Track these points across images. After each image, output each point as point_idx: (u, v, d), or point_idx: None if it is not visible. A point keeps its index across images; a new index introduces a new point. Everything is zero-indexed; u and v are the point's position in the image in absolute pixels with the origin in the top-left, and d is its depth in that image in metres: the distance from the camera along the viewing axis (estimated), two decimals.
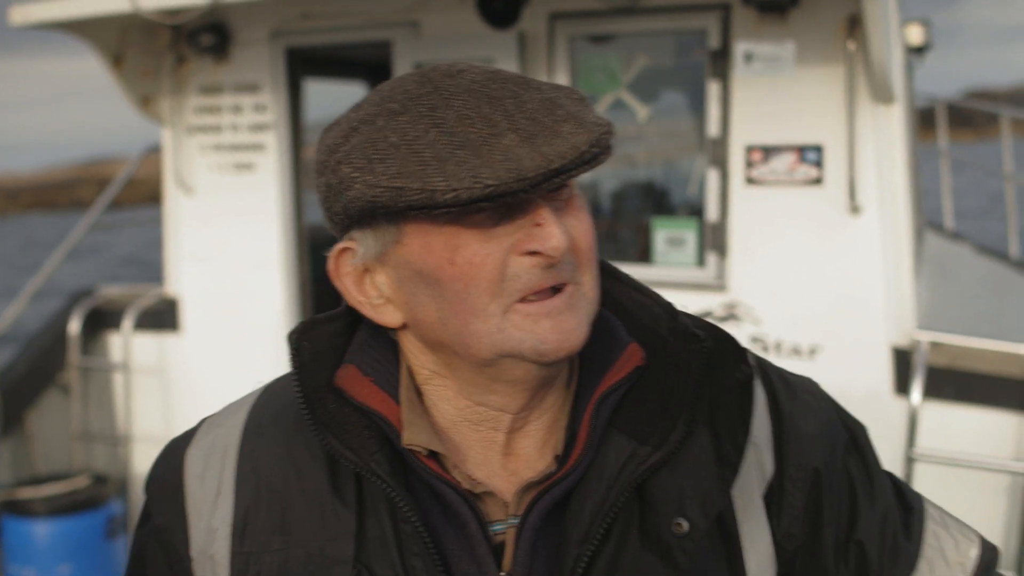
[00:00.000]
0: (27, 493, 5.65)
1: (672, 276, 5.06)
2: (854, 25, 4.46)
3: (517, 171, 1.05)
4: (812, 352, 4.76)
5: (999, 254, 7.91)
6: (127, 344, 6.29)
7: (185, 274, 6.25)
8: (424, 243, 1.13)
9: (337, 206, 1.16)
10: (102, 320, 6.47)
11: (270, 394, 1.35)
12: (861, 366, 4.70)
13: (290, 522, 1.22)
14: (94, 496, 5.76)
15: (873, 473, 1.37)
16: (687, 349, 1.22)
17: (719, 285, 4.93)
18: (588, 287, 1.18)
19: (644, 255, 5.26)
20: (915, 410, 4.40)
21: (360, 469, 1.18)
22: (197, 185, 6.12)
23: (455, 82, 1.13)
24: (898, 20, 5.37)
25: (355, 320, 1.30)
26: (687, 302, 4.94)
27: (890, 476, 1.43)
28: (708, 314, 4.93)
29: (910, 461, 4.40)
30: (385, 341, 1.28)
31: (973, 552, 1.39)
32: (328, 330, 1.29)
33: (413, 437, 1.19)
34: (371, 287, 1.22)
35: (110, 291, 6.65)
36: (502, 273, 1.12)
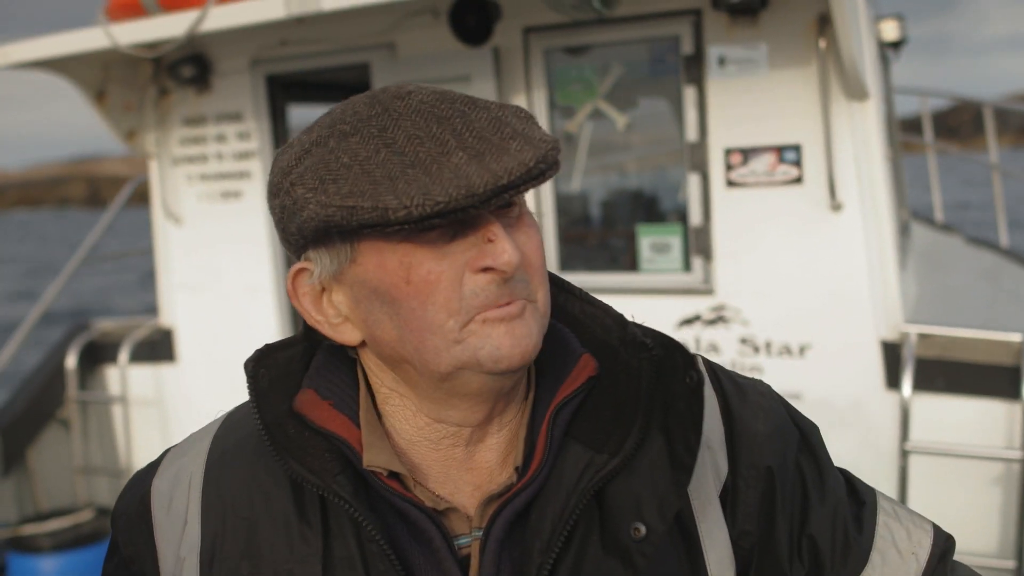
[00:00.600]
0: (32, 529, 5.68)
1: (659, 282, 5.09)
2: (824, 23, 4.48)
3: (467, 188, 1.07)
4: (802, 350, 4.78)
5: (990, 244, 7.93)
6: (124, 376, 6.32)
7: (178, 304, 6.29)
8: (379, 262, 1.16)
9: (292, 227, 1.18)
10: (98, 353, 6.50)
11: (232, 421, 1.37)
12: (851, 362, 4.72)
13: (258, 547, 1.24)
14: (97, 529, 5.80)
15: (824, 470, 1.40)
16: (637, 358, 1.25)
17: (706, 289, 4.95)
18: (541, 303, 1.21)
19: (633, 263, 5.28)
20: (906, 403, 4.42)
21: (323, 491, 1.20)
22: (185, 215, 6.16)
23: (404, 103, 1.16)
24: (869, 16, 5.40)
25: (312, 344, 1.33)
26: (676, 307, 4.98)
27: (844, 473, 1.47)
28: (697, 318, 4.96)
29: (905, 454, 4.42)
30: (342, 364, 1.30)
31: (926, 541, 1.42)
32: (284, 356, 1.31)
33: (373, 459, 1.21)
34: (329, 306, 1.24)
35: (105, 324, 6.68)
36: (459, 291, 1.15)
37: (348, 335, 1.24)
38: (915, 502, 4.43)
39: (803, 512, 1.36)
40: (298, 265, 1.24)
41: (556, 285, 1.35)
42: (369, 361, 1.28)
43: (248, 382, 1.27)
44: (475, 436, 1.27)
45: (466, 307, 1.15)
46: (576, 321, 1.34)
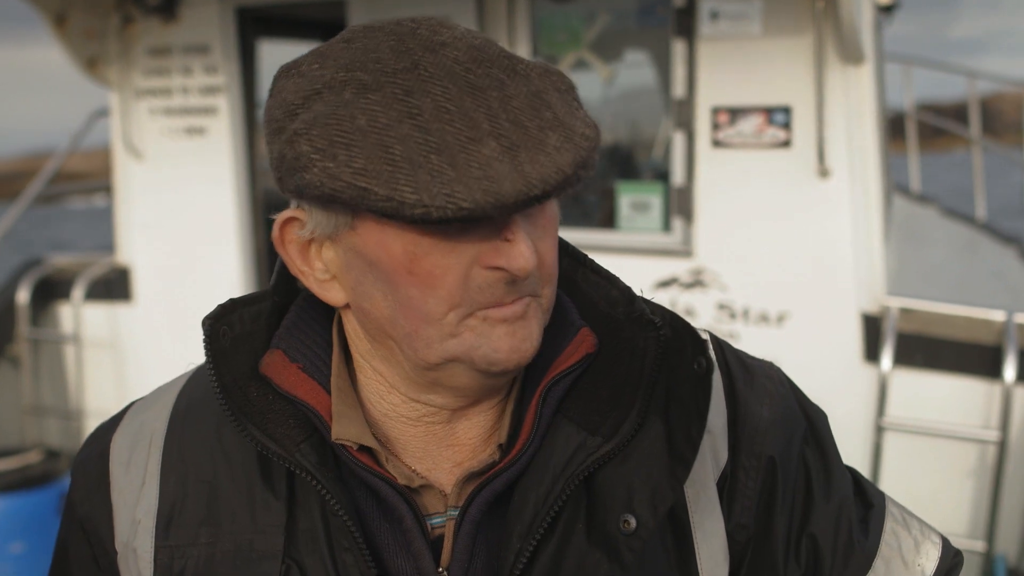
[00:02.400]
0: None
1: (638, 242, 4.95)
2: None
3: (496, 195, 0.95)
4: (780, 319, 4.67)
5: (966, 217, 7.87)
6: (78, 314, 6.12)
7: (137, 242, 6.07)
8: (380, 240, 1.04)
9: (290, 182, 1.04)
10: (52, 290, 6.29)
11: (201, 376, 1.27)
12: (830, 333, 4.62)
13: (218, 514, 1.16)
14: (47, 472, 5.63)
15: (831, 465, 1.31)
16: (643, 336, 1.15)
17: (685, 251, 4.82)
18: (546, 299, 1.12)
19: (609, 221, 5.14)
20: (885, 378, 4.34)
21: (284, 461, 1.13)
22: (147, 150, 5.92)
23: (436, 59, 1.01)
24: None
25: (281, 302, 1.22)
26: (653, 268, 4.85)
27: (852, 472, 1.37)
28: (674, 280, 4.83)
29: (880, 430, 4.34)
30: (317, 323, 1.20)
31: (935, 554, 1.33)
32: (250, 312, 1.21)
33: (342, 431, 1.12)
34: (317, 259, 1.12)
35: (60, 260, 6.46)
36: (464, 284, 1.04)
37: (334, 294, 1.13)
38: (887, 478, 4.36)
39: (805, 509, 1.26)
40: (288, 213, 1.12)
41: (561, 249, 1.23)
42: (348, 325, 1.17)
43: (204, 341, 1.16)
44: (458, 414, 1.17)
45: (469, 301, 1.05)
46: (579, 290, 1.23)
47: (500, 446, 1.15)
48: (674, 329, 1.16)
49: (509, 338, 1.07)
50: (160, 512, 1.18)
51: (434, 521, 1.15)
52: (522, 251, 1.02)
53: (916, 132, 8.85)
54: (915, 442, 4.42)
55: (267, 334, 1.21)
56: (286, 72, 1.09)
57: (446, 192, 0.95)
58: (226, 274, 5.76)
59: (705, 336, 1.19)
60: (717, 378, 1.24)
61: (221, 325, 1.17)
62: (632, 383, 1.14)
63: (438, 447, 1.17)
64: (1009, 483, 4.27)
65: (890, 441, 4.39)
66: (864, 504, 1.33)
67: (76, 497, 1.26)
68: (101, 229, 6.72)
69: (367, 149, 0.97)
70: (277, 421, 1.14)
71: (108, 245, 6.30)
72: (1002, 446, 4.20)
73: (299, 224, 1.11)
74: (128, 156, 5.96)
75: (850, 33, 4.17)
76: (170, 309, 5.92)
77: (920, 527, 1.35)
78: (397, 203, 0.95)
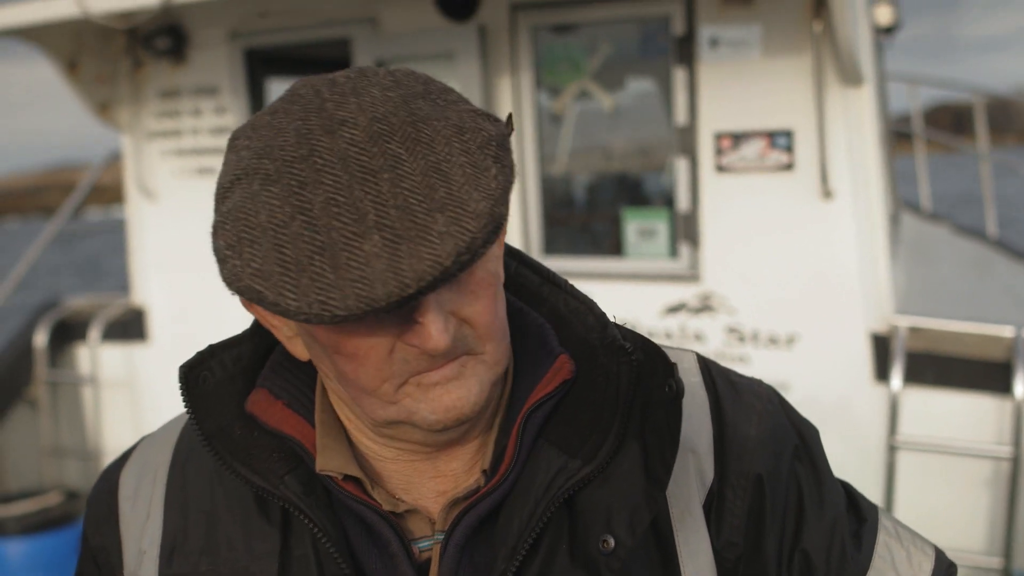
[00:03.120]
0: None
1: (645, 268, 4.97)
2: (820, 6, 4.36)
3: (367, 300, 0.95)
4: (790, 341, 4.68)
5: (977, 234, 7.86)
6: (94, 356, 6.17)
7: (151, 282, 6.13)
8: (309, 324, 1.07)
9: (219, 268, 1.06)
10: (68, 332, 6.35)
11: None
12: (840, 354, 4.62)
13: (216, 542, 1.20)
14: (66, 512, 5.66)
15: (823, 480, 1.31)
16: (616, 362, 1.17)
17: (692, 276, 4.84)
18: (490, 355, 1.11)
19: (617, 247, 5.16)
20: (896, 396, 4.34)
21: (267, 494, 1.16)
22: (160, 191, 6.00)
23: (332, 143, 1.00)
24: (865, 0, 5.28)
25: (261, 345, 1.26)
26: (661, 294, 4.87)
27: (844, 485, 1.37)
28: (683, 305, 4.85)
29: (892, 449, 4.33)
30: (301, 364, 1.23)
31: (927, 566, 1.33)
32: (231, 356, 1.25)
33: (327, 462, 1.16)
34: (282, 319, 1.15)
35: (76, 302, 6.52)
36: (389, 360, 1.06)
37: (299, 350, 1.17)
38: (902, 497, 4.36)
39: (797, 525, 1.26)
40: None
41: (541, 275, 1.27)
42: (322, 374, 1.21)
43: (181, 389, 1.20)
44: (438, 450, 1.19)
45: (399, 372, 1.07)
46: (559, 316, 1.25)
47: (484, 472, 1.18)
48: (646, 353, 1.18)
49: (443, 398, 1.08)
50: (164, 543, 1.23)
51: (421, 545, 1.18)
52: (431, 333, 1.03)
53: (925, 148, 8.85)
54: (928, 460, 4.41)
55: (249, 376, 1.24)
56: (231, 144, 1.11)
57: (321, 299, 0.96)
58: (240, 312, 5.76)
59: (674, 360, 1.20)
60: (703, 397, 1.26)
61: (202, 371, 1.22)
62: (609, 408, 1.16)
63: (422, 479, 1.20)
64: None
65: (903, 460, 4.38)
66: (857, 518, 1.34)
67: (89, 530, 1.32)
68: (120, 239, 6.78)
69: (264, 249, 0.98)
70: (261, 456, 1.17)
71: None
72: (1015, 462, 4.19)
73: None
74: (141, 197, 6.03)
75: (848, 55, 4.21)
76: (186, 348, 5.84)
77: (913, 539, 1.35)
78: (283, 309, 0.97)
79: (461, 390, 1.09)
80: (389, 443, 1.18)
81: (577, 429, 1.17)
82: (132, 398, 6.22)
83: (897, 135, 9.01)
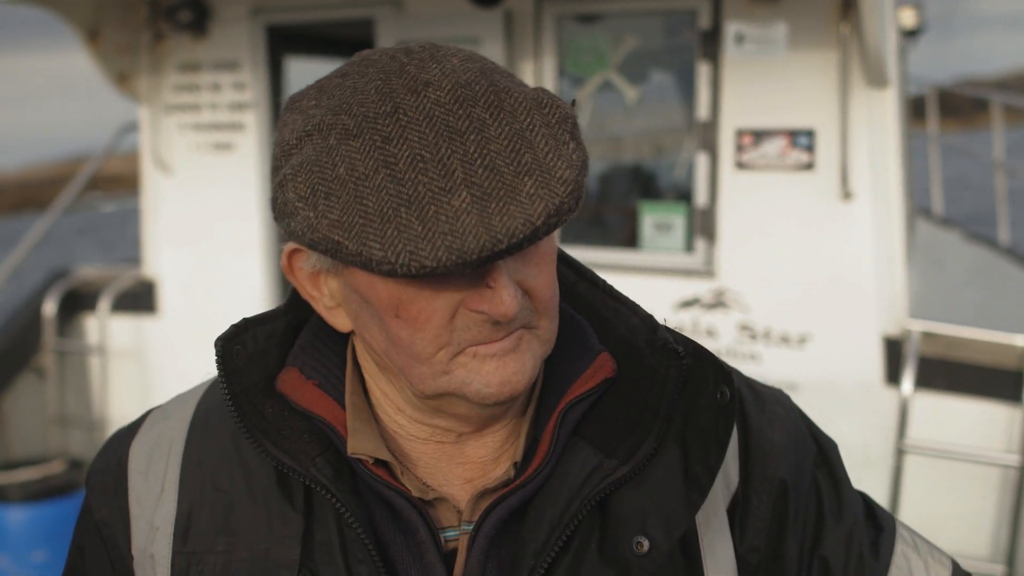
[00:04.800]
0: (1, 479, 5.54)
1: (660, 262, 4.97)
2: (848, 8, 4.35)
3: (459, 252, 0.95)
4: (802, 340, 4.68)
5: (989, 241, 7.85)
6: (103, 326, 6.17)
7: (163, 255, 6.13)
8: (369, 282, 1.07)
9: (282, 225, 1.07)
10: (78, 302, 6.34)
11: (218, 387, 1.27)
12: (851, 355, 4.62)
13: (235, 523, 1.19)
14: (69, 481, 5.67)
15: (842, 489, 1.33)
16: (666, 364, 1.17)
17: (707, 271, 4.84)
18: (544, 331, 1.12)
19: (631, 240, 5.16)
20: (906, 401, 4.34)
21: (298, 475, 1.15)
22: (175, 164, 5.99)
23: (417, 102, 1.01)
24: (892, 3, 5.27)
25: (295, 320, 1.26)
26: (675, 288, 4.87)
27: (862, 495, 1.39)
28: (696, 301, 4.85)
29: (900, 453, 4.34)
30: (331, 341, 1.23)
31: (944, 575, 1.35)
32: (264, 331, 1.24)
33: (358, 445, 1.15)
34: (325, 286, 1.15)
35: (86, 272, 6.52)
36: (450, 325, 1.06)
37: (341, 321, 1.16)
38: (907, 500, 4.36)
39: (816, 531, 1.28)
40: (294, 244, 1.14)
41: (579, 273, 1.28)
42: (358, 347, 1.21)
43: (217, 360, 1.19)
44: (466, 435, 1.19)
45: (457, 340, 1.07)
46: (597, 315, 1.25)
47: (515, 464, 1.17)
48: (696, 359, 1.18)
49: (499, 372, 1.08)
50: (178, 519, 1.21)
51: (447, 535, 1.17)
52: (503, 298, 1.03)
53: (939, 153, 8.84)
54: (936, 465, 4.41)
55: (281, 352, 1.23)
56: (290, 106, 1.12)
57: (410, 249, 0.95)
58: (251, 288, 5.81)
59: (729, 368, 1.20)
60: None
61: (235, 345, 1.20)
62: (651, 409, 1.16)
63: (448, 464, 1.20)
64: None
65: (911, 464, 4.39)
66: (875, 527, 1.35)
67: (94, 502, 1.29)
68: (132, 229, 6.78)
69: (343, 200, 0.98)
70: (292, 436, 1.16)
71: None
72: (1023, 470, 4.20)
73: (304, 255, 1.14)
74: (156, 170, 6.03)
75: (875, 57, 4.20)
76: (195, 322, 5.96)
77: (930, 550, 1.37)
78: (366, 259, 0.97)
79: (517, 364, 1.09)
80: (427, 420, 1.17)
81: (615, 428, 1.17)
82: (140, 369, 6.23)
83: (911, 114, 8.98)
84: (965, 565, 4.44)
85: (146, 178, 6.10)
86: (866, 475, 4.47)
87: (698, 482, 1.14)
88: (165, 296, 6.16)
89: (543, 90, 1.07)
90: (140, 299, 6.18)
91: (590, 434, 1.17)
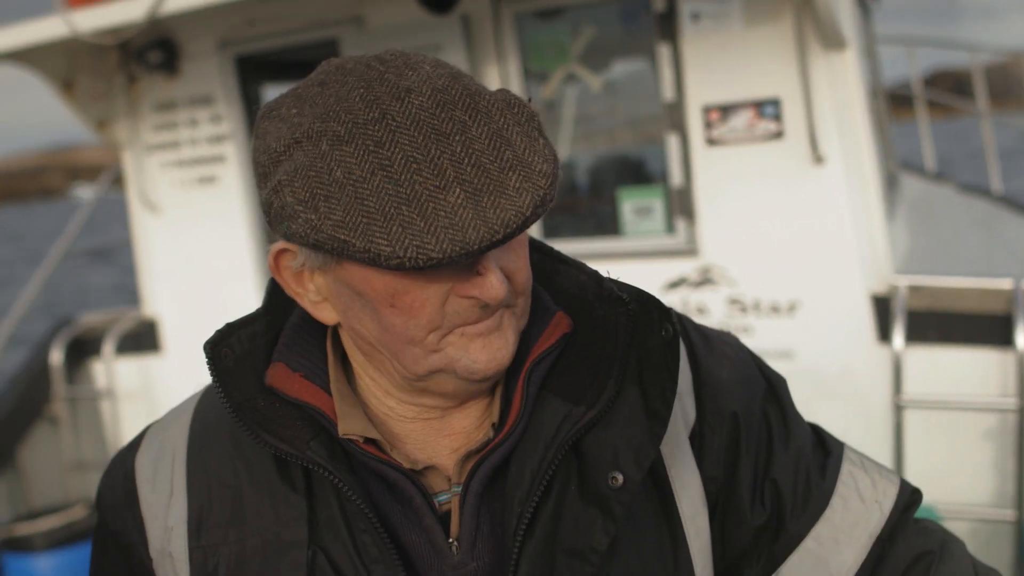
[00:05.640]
0: (25, 528, 5.61)
1: (643, 246, 5.01)
2: None
3: (462, 243, 1.05)
4: (791, 308, 4.70)
5: (982, 191, 7.84)
6: (110, 370, 6.25)
7: (160, 294, 6.21)
8: (364, 277, 1.15)
9: (279, 228, 1.15)
10: (84, 348, 6.43)
11: (212, 395, 1.39)
12: (842, 317, 4.64)
13: (243, 513, 1.27)
14: (92, 525, 5.69)
15: (789, 419, 1.42)
16: (614, 312, 1.27)
17: (691, 250, 4.87)
18: (520, 307, 1.23)
19: (613, 227, 5.19)
20: (899, 356, 4.35)
21: (297, 459, 1.22)
22: (162, 203, 6.07)
23: (403, 108, 1.09)
24: None
25: (273, 322, 1.35)
26: (661, 270, 4.90)
27: (813, 427, 1.48)
28: (683, 280, 4.88)
29: (898, 408, 4.35)
30: (311, 336, 1.33)
31: (891, 491, 1.42)
32: (247, 333, 1.33)
33: (348, 427, 1.24)
34: (309, 282, 1.23)
35: (89, 318, 6.61)
36: (441, 311, 1.16)
37: (326, 315, 1.25)
38: (911, 455, 4.37)
39: (767, 457, 1.38)
40: (280, 245, 1.22)
41: (532, 247, 1.35)
42: (344, 339, 1.30)
43: (208, 364, 1.28)
44: (450, 409, 1.29)
45: (447, 323, 1.17)
46: (548, 279, 1.36)
47: (493, 425, 1.26)
48: (640, 303, 1.27)
49: (486, 349, 1.19)
50: (190, 518, 1.29)
51: (440, 499, 1.26)
52: (493, 283, 1.13)
53: (927, 110, 8.83)
54: (935, 417, 4.42)
55: (265, 351, 1.32)
56: (267, 115, 1.19)
57: (417, 244, 1.04)
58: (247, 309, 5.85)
59: (669, 306, 1.29)
60: (681, 345, 1.34)
61: (222, 348, 1.29)
62: (608, 355, 1.25)
63: (436, 437, 1.29)
64: None
65: (910, 418, 4.40)
66: (824, 452, 1.44)
67: (107, 516, 1.37)
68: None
69: (344, 202, 1.06)
70: (286, 425, 1.24)
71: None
72: (1021, 413, 4.20)
73: (291, 255, 1.22)
74: (144, 211, 6.10)
75: (828, 20, 4.22)
76: (199, 356, 5.93)
77: (879, 469, 1.45)
78: (374, 255, 1.05)
79: (500, 340, 1.20)
80: (415, 399, 1.26)
81: (578, 378, 1.26)
82: (149, 408, 6.30)
83: (898, 99, 8.99)
84: (973, 513, 4.48)
85: (136, 219, 6.17)
86: (866, 434, 4.49)
87: (658, 414, 1.23)
88: (167, 334, 6.23)
89: (506, 91, 1.17)
90: (143, 339, 6.26)
91: (557, 387, 1.26)
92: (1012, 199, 7.72)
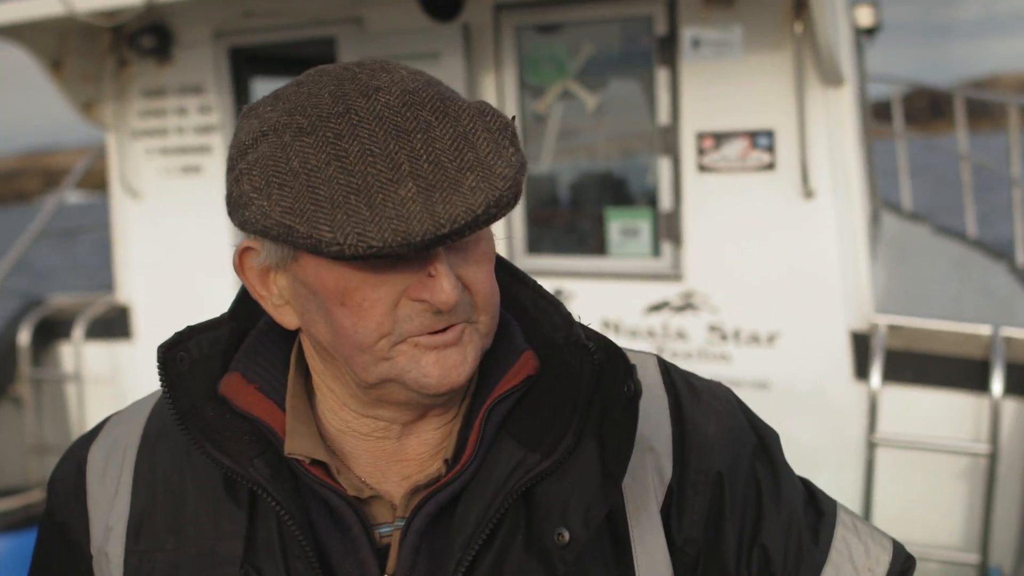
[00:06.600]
0: None
1: (628, 267, 5.01)
2: (800, 7, 4.41)
3: (404, 234, 1.01)
4: (771, 339, 4.72)
5: (957, 234, 7.92)
6: (78, 353, 6.18)
7: (136, 281, 6.15)
8: (316, 273, 1.12)
9: (235, 217, 1.12)
10: (53, 330, 6.35)
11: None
12: (820, 352, 4.67)
13: (184, 521, 1.24)
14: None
15: (781, 478, 1.36)
16: (579, 360, 1.22)
17: (675, 274, 4.88)
18: (484, 325, 1.18)
19: (599, 247, 5.20)
20: (875, 394, 4.38)
21: (237, 476, 1.19)
22: (144, 189, 6.01)
23: (368, 104, 1.08)
24: (845, 1, 5.33)
25: (238, 329, 1.30)
26: (644, 292, 4.91)
27: (804, 482, 1.42)
28: (665, 304, 4.89)
29: (871, 446, 4.38)
30: (275, 346, 1.28)
31: (884, 558, 1.37)
32: (208, 338, 1.28)
33: (295, 446, 1.19)
34: (274, 285, 1.20)
35: (60, 300, 6.53)
36: (392, 314, 1.11)
37: (288, 318, 1.21)
38: (881, 493, 4.40)
39: (756, 521, 1.31)
40: (245, 243, 1.20)
41: (510, 273, 1.31)
42: (305, 346, 1.26)
43: (159, 367, 1.23)
44: (407, 430, 1.24)
45: (399, 330, 1.12)
46: (526, 313, 1.30)
47: (446, 461, 1.21)
48: (608, 354, 1.22)
49: (439, 365, 1.13)
50: (131, 519, 1.26)
51: (382, 530, 1.22)
52: (443, 286, 1.08)
53: (906, 151, 8.93)
54: (907, 457, 4.46)
55: (224, 359, 1.28)
56: (247, 113, 1.18)
57: (358, 231, 1.01)
58: (224, 309, 5.80)
59: (634, 362, 1.24)
60: (662, 398, 1.31)
61: (179, 351, 1.25)
62: (570, 404, 1.20)
63: (387, 462, 1.24)
64: (1001, 495, 4.30)
65: (882, 456, 4.43)
66: (816, 512, 1.38)
67: (55, 505, 1.34)
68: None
69: (296, 190, 1.04)
70: (233, 439, 1.20)
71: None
72: (992, 458, 4.24)
73: (255, 253, 1.19)
74: (125, 196, 6.04)
75: (828, 56, 4.26)
76: None
77: (871, 533, 1.39)
78: (315, 240, 1.03)
79: (458, 355, 1.14)
80: (371, 411, 1.21)
81: (538, 424, 1.21)
82: (116, 394, 6.23)
83: (875, 119, 9.08)
84: (939, 554, 4.49)
85: (115, 204, 6.11)
86: (838, 469, 4.52)
87: (612, 474, 1.18)
88: (139, 321, 6.17)
89: (485, 102, 1.14)
90: (114, 325, 6.19)
91: (515, 430, 1.21)
92: (986, 244, 7.81)
